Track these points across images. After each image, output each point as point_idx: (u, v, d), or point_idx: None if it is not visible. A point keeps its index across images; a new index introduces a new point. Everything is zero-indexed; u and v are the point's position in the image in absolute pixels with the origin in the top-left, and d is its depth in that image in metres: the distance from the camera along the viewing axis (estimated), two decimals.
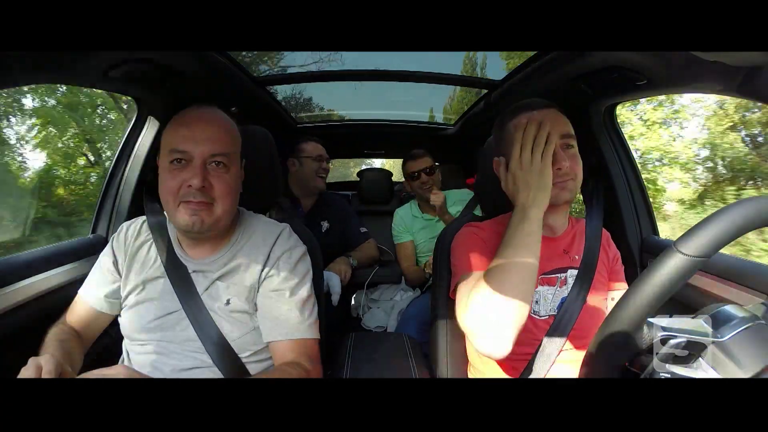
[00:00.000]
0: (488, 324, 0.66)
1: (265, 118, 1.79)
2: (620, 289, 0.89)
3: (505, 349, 0.66)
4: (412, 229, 1.87)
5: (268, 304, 0.80)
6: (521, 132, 0.76)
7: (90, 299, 0.84)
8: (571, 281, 0.83)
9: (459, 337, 0.94)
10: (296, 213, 1.72)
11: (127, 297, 0.83)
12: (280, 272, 0.80)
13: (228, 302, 0.79)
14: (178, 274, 0.80)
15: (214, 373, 0.77)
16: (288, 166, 1.75)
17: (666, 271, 0.42)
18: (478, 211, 1.68)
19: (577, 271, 0.84)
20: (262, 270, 0.80)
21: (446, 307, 0.94)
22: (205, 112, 0.79)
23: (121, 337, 0.83)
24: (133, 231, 0.87)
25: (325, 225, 1.75)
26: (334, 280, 1.49)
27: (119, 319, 0.84)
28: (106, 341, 1.03)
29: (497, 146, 0.87)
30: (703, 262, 0.42)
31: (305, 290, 0.82)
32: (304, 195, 1.77)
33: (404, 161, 1.88)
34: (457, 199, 1.80)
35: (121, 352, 0.84)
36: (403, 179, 2.90)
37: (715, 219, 0.41)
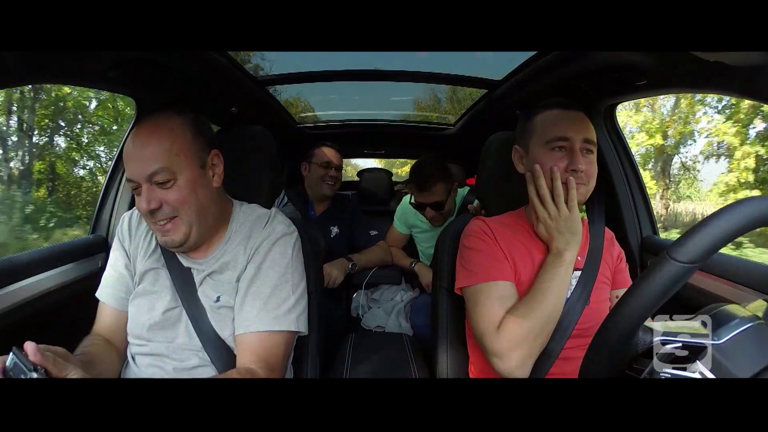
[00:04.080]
0: (518, 354, 0.74)
1: (265, 118, 1.79)
2: (625, 288, 0.89)
3: (526, 373, 0.75)
4: (410, 226, 1.81)
5: (240, 293, 0.78)
6: (540, 180, 0.80)
7: (111, 300, 0.83)
8: (574, 282, 0.83)
9: (459, 336, 0.94)
10: (309, 215, 1.73)
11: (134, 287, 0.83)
12: (257, 259, 0.79)
13: (218, 299, 0.78)
14: (178, 270, 0.80)
15: (215, 371, 0.77)
16: (302, 170, 1.77)
17: (659, 278, 0.42)
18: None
19: (579, 272, 0.84)
20: (247, 262, 0.79)
21: (447, 306, 0.94)
22: (141, 128, 0.74)
23: None
24: (135, 219, 0.86)
25: (334, 230, 1.76)
26: None
27: None
28: None
29: (520, 136, 0.89)
30: (697, 268, 0.41)
31: (277, 276, 0.78)
32: (316, 199, 1.78)
33: (411, 180, 1.56)
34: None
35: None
36: (402, 180, 2.88)
37: (706, 224, 0.41)
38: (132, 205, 1.19)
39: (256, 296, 0.76)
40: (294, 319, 0.77)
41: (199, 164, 0.76)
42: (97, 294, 0.84)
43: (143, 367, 0.79)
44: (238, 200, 0.88)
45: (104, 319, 0.83)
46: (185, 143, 0.74)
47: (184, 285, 0.79)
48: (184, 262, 0.81)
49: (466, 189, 1.88)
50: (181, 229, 0.74)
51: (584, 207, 0.96)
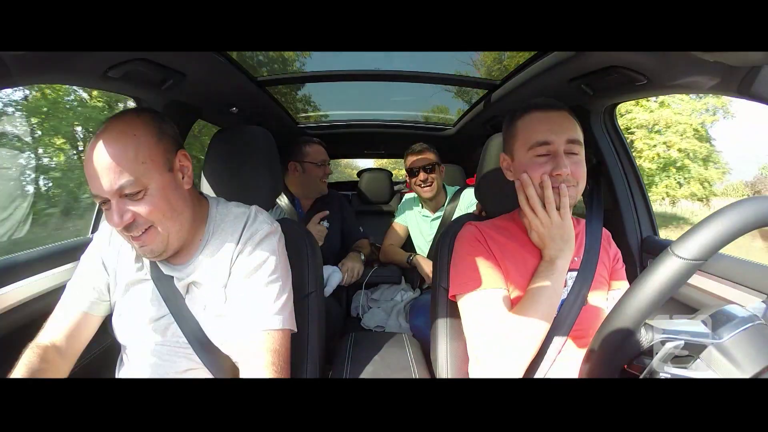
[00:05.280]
0: (508, 362, 0.74)
1: (265, 118, 1.79)
2: (621, 288, 0.89)
3: (517, 377, 0.75)
4: (408, 220, 1.91)
5: (231, 296, 0.76)
6: (529, 189, 0.79)
7: (78, 302, 0.79)
8: (571, 283, 0.83)
9: (459, 336, 0.94)
10: (296, 212, 1.71)
11: (115, 301, 0.81)
12: (243, 260, 0.76)
13: (205, 307, 0.77)
14: (162, 278, 0.78)
15: (208, 374, 0.77)
16: (289, 169, 1.72)
17: (663, 274, 0.43)
18: (472, 208, 1.69)
19: (576, 273, 0.84)
20: (231, 266, 0.77)
21: (446, 306, 0.94)
22: (101, 137, 0.67)
23: None
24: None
25: (324, 225, 1.75)
26: (334, 278, 1.52)
27: (113, 328, 0.82)
28: (107, 342, 1.04)
29: (505, 142, 0.89)
30: (700, 264, 0.42)
31: (267, 274, 0.76)
32: (305, 197, 1.77)
33: (405, 154, 1.87)
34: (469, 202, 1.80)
35: (119, 351, 0.84)
36: (403, 180, 2.89)
37: (711, 222, 0.41)
38: None
39: (248, 298, 0.74)
40: (287, 317, 0.76)
41: (168, 168, 0.72)
42: (65, 298, 0.80)
43: (136, 368, 0.79)
44: (216, 197, 0.85)
45: (66, 320, 0.77)
46: (150, 148, 0.69)
47: (170, 293, 0.77)
48: (165, 269, 0.78)
49: (468, 189, 1.88)
50: (158, 239, 0.71)
51: (583, 207, 0.96)
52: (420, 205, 1.88)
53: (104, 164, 0.66)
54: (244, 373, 0.72)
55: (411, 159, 1.81)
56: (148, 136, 0.70)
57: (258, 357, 0.71)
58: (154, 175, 0.69)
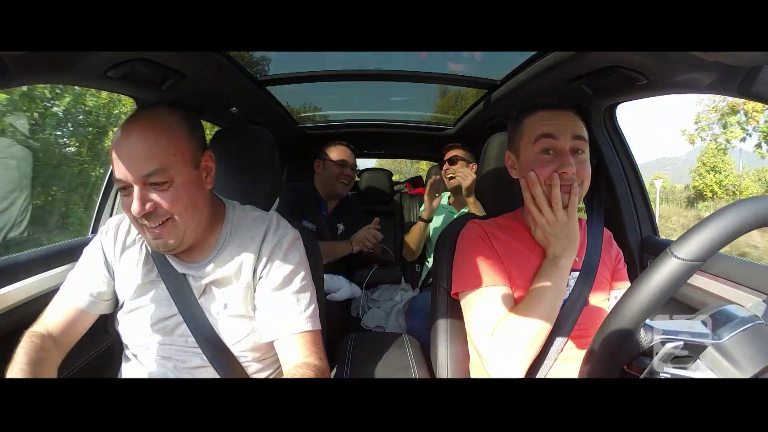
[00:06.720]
0: (511, 360, 0.74)
1: (265, 118, 1.79)
2: (623, 288, 0.89)
3: (520, 375, 0.75)
4: (436, 217, 1.89)
5: (266, 301, 0.77)
6: (536, 188, 0.79)
7: (76, 299, 0.78)
8: (572, 283, 0.83)
9: (459, 336, 0.94)
10: (320, 213, 1.74)
11: (122, 302, 0.80)
12: (274, 266, 0.77)
13: (225, 306, 0.77)
14: (173, 278, 0.78)
15: (215, 373, 0.77)
16: (315, 168, 1.77)
17: (662, 275, 0.42)
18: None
19: (578, 273, 0.84)
20: (256, 268, 0.77)
21: (447, 306, 0.94)
22: (134, 124, 0.69)
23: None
24: (124, 228, 0.82)
25: (340, 227, 1.79)
26: (345, 291, 1.56)
27: (118, 327, 0.82)
28: (107, 341, 1.04)
29: (510, 140, 0.89)
30: (699, 265, 0.42)
31: (299, 280, 0.79)
32: (328, 197, 1.79)
33: (443, 150, 1.97)
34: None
35: (122, 349, 0.84)
36: (402, 180, 2.92)
37: (710, 222, 0.41)
38: None
39: (285, 301, 0.76)
40: (318, 320, 0.79)
41: (194, 165, 0.73)
42: (64, 290, 0.79)
43: (145, 364, 0.79)
44: (232, 200, 0.86)
45: (62, 312, 0.77)
46: (182, 143, 0.71)
47: (181, 293, 0.77)
48: (179, 267, 0.78)
49: None
50: (175, 233, 0.71)
51: (583, 207, 0.96)
52: (447, 200, 1.92)
53: (135, 150, 0.67)
54: (289, 369, 0.73)
55: (444, 155, 1.90)
56: (181, 130, 0.72)
57: (300, 352, 0.74)
58: (182, 169, 0.70)
